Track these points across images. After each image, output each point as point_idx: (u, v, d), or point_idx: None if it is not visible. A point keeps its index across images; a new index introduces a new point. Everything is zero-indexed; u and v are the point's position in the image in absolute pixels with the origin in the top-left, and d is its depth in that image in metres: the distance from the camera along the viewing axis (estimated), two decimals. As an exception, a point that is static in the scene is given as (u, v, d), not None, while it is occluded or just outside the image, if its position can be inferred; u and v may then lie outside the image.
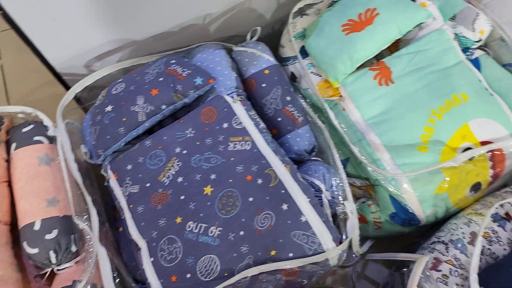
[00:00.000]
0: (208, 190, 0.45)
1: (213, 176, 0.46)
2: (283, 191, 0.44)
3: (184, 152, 0.48)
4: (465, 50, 0.59)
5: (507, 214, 0.51)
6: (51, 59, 0.56)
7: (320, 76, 0.59)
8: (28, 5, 0.46)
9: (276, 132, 0.55)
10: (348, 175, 0.61)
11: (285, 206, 0.43)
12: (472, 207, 0.54)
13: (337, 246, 0.43)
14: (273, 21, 0.71)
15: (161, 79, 0.49)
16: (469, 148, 0.52)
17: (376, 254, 0.59)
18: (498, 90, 0.56)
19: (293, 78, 0.62)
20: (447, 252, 0.50)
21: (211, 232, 0.43)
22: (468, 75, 0.56)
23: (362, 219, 0.60)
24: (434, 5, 0.59)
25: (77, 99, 0.64)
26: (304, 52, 0.60)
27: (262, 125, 0.51)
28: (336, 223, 0.49)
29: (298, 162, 0.56)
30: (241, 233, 0.43)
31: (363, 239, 0.64)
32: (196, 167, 0.46)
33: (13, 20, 0.47)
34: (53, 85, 0.61)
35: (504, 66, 0.61)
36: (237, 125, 0.48)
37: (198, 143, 0.48)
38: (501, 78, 0.57)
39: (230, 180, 0.45)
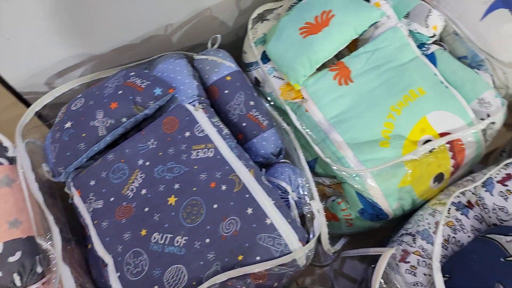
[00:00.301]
0: (172, 200, 0.45)
1: (176, 186, 0.46)
2: (247, 196, 0.45)
3: (147, 163, 0.48)
4: (421, 46, 0.61)
5: (469, 202, 0.53)
6: (9, 79, 0.56)
7: (283, 79, 0.60)
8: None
9: (242, 137, 0.56)
10: (318, 175, 0.62)
11: (249, 210, 0.44)
12: (436, 198, 0.56)
13: (304, 246, 0.44)
14: (237, 28, 0.72)
15: (120, 92, 0.49)
16: (429, 141, 0.54)
17: (350, 251, 0.60)
18: (454, 82, 0.59)
19: (257, 83, 0.63)
20: (415, 243, 0.51)
21: (177, 242, 0.43)
22: (424, 69, 0.58)
23: (334, 217, 0.61)
24: (388, 4, 0.61)
25: (42, 117, 0.64)
26: (265, 57, 0.61)
27: (226, 131, 0.51)
28: (304, 223, 0.50)
29: (266, 165, 0.56)
30: (207, 240, 0.43)
31: (338, 237, 0.65)
32: (160, 178, 0.47)
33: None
34: (18, 106, 0.61)
35: (459, 59, 0.63)
36: (199, 133, 0.49)
37: (160, 153, 0.48)
38: (456, 71, 0.59)
39: (194, 189, 0.45)
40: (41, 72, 0.58)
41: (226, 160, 0.47)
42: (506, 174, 0.50)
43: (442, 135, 0.54)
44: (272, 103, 0.61)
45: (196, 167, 0.47)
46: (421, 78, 0.56)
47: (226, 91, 0.55)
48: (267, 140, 0.55)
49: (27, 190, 0.46)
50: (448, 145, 0.55)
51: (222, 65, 0.56)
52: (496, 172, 0.51)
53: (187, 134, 0.49)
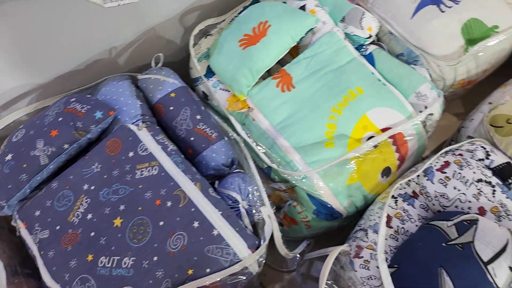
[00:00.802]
0: (118, 222, 0.46)
1: (122, 207, 0.46)
2: (193, 209, 0.46)
3: (92, 188, 0.48)
4: (359, 47, 0.65)
5: (414, 192, 0.55)
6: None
7: (229, 91, 0.62)
8: None
9: (192, 151, 0.56)
10: (274, 181, 0.63)
11: (196, 224, 0.45)
12: (385, 191, 0.58)
13: (253, 252, 0.45)
14: (185, 45, 0.73)
15: (60, 119, 0.50)
16: (372, 137, 0.57)
17: (311, 252, 0.61)
18: (392, 79, 0.62)
19: (205, 96, 0.65)
20: (367, 237, 0.53)
21: (125, 263, 0.43)
22: (361, 70, 0.60)
23: (293, 221, 0.62)
24: (323, 11, 0.64)
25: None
26: (211, 71, 0.63)
27: (171, 147, 0.52)
28: (257, 230, 0.51)
29: (221, 176, 0.58)
30: (155, 258, 0.43)
31: (301, 241, 0.66)
32: (105, 201, 0.47)
33: None
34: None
35: (397, 56, 0.66)
36: (142, 151, 0.50)
37: (105, 176, 0.49)
38: (393, 68, 0.62)
39: (140, 208, 0.46)
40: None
41: (170, 176, 0.48)
42: (444, 161, 0.53)
43: (384, 130, 0.57)
44: (222, 115, 0.62)
45: (141, 186, 0.47)
46: (359, 78, 0.59)
47: (171, 108, 0.56)
48: (217, 152, 0.56)
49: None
50: (390, 139, 0.57)
51: (166, 83, 0.58)
52: (435, 161, 0.54)
53: (131, 154, 0.50)
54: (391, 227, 0.53)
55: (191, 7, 0.69)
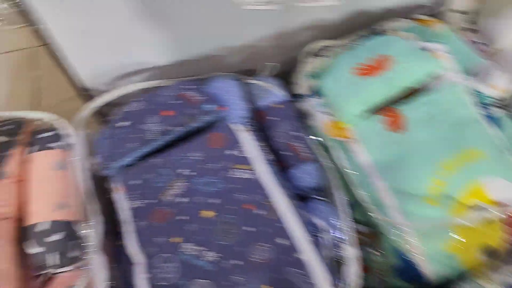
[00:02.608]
0: (209, 214, 0.49)
1: (214, 201, 0.50)
2: (280, 225, 0.48)
3: (189, 174, 0.52)
4: (486, 106, 0.63)
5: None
6: (81, 74, 0.66)
7: (329, 115, 0.63)
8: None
9: (283, 165, 0.60)
10: (357, 221, 0.63)
11: (281, 240, 0.47)
12: (486, 273, 0.54)
13: (334, 292, 0.45)
14: (291, 59, 0.78)
15: (176, 102, 0.56)
16: (481, 207, 0.55)
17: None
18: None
19: (304, 115, 0.68)
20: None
21: (209, 257, 0.46)
22: (484, 131, 0.58)
23: (364, 268, 0.62)
24: (450, 57, 0.64)
25: (100, 113, 0.73)
26: (315, 91, 0.66)
27: (270, 156, 0.55)
28: (336, 267, 0.51)
29: (302, 198, 0.59)
30: (236, 262, 0.46)
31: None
32: (199, 190, 0.51)
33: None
34: (76, 100, 0.71)
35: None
36: (241, 153, 0.53)
37: (203, 166, 0.53)
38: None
39: (230, 207, 0.49)
40: (107, 72, 0.67)
41: (264, 184, 0.51)
42: None
43: (498, 204, 0.54)
44: (318, 138, 0.65)
45: (234, 185, 0.51)
46: (480, 139, 0.57)
47: (272, 118, 0.60)
48: (305, 173, 0.57)
49: (79, 177, 0.53)
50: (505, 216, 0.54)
51: (272, 93, 0.62)
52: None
53: (230, 152, 0.53)
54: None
55: (310, 24, 0.74)
